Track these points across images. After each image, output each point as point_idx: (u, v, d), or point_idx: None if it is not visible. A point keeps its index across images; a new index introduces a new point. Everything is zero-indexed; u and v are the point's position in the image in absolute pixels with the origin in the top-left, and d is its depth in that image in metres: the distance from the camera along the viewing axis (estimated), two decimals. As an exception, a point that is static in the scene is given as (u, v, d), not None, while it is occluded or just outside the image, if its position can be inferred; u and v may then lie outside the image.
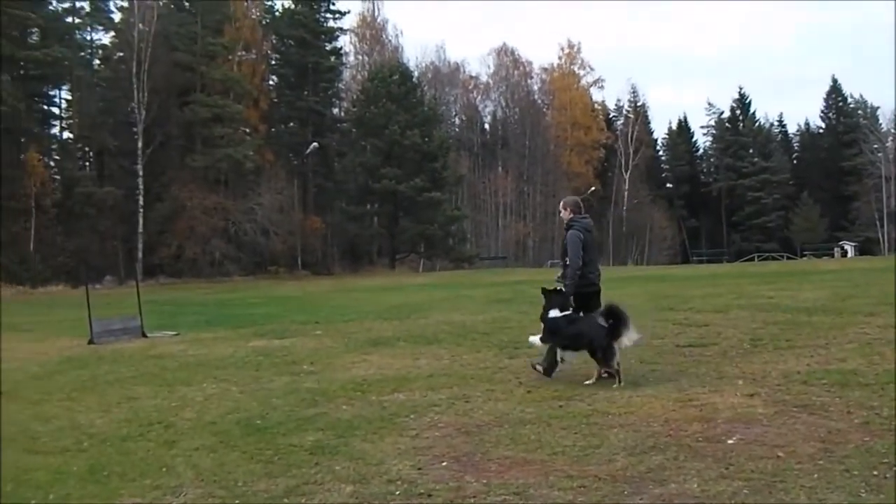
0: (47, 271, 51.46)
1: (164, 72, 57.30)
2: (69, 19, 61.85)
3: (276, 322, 19.35)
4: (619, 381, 8.86)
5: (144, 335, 16.83)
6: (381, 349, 13.07)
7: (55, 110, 64.05)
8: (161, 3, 60.66)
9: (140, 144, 56.60)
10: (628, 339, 8.90)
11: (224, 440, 7.22)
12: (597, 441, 6.51)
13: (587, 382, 8.96)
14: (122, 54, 59.95)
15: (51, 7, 60.00)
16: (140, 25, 56.66)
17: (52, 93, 63.20)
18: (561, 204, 10.12)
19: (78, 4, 61.54)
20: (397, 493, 5.56)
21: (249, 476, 6.06)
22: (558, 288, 9.57)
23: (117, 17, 62.75)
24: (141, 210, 56.21)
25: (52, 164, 60.14)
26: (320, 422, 7.73)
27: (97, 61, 65.01)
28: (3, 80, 52.61)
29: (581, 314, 9.39)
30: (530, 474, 5.76)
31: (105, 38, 64.52)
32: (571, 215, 9.77)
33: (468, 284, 35.55)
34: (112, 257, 57.09)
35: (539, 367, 9.64)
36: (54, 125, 64.46)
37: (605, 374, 9.09)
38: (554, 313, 9.37)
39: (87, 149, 64.01)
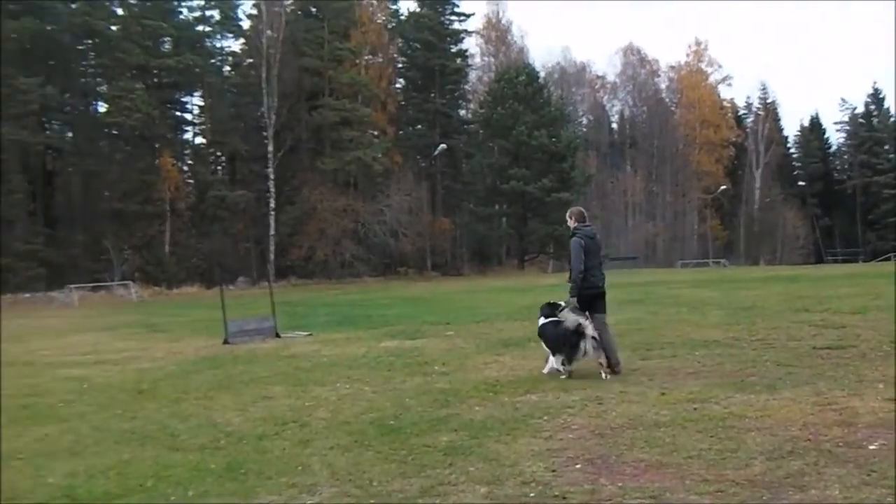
0: (182, 273, 53.24)
1: (293, 77, 58.66)
2: (200, 28, 64.21)
3: (407, 323, 19.36)
4: (603, 376, 9.79)
5: (278, 335, 16.99)
6: (512, 350, 12.95)
7: (188, 116, 66.76)
8: (289, 10, 62.06)
9: (271, 148, 58.01)
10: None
11: (358, 440, 7.19)
12: (733, 445, 6.34)
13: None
14: (251, 60, 61.87)
15: (182, 16, 62.54)
16: (269, 32, 58.12)
17: (184, 99, 65.82)
18: (567, 213, 10.90)
19: (208, 13, 63.95)
20: (532, 494, 5.47)
21: (384, 476, 6.03)
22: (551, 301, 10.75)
23: (246, 24, 64.86)
24: (272, 213, 57.54)
25: (185, 168, 62.36)
26: (453, 422, 7.67)
27: (227, 68, 67.18)
28: (138, 89, 54.81)
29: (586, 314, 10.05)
30: (666, 478, 5.64)
31: (235, 45, 66.70)
32: (576, 224, 10.52)
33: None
34: (245, 259, 58.71)
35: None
36: (187, 131, 67.21)
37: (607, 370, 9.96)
38: (541, 321, 10.51)
39: (219, 153, 66.03)
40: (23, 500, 6.08)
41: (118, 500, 5.90)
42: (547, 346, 10.25)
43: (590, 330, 9.66)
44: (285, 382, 10.72)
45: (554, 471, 6.00)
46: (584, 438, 6.90)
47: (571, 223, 10.61)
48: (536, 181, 62.33)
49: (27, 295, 46.10)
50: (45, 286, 47.57)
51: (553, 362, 10.09)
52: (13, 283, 47.37)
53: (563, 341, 9.82)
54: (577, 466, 6.09)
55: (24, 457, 7.26)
